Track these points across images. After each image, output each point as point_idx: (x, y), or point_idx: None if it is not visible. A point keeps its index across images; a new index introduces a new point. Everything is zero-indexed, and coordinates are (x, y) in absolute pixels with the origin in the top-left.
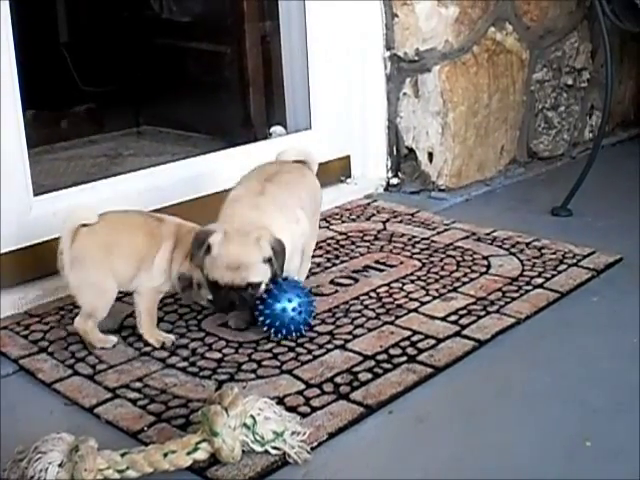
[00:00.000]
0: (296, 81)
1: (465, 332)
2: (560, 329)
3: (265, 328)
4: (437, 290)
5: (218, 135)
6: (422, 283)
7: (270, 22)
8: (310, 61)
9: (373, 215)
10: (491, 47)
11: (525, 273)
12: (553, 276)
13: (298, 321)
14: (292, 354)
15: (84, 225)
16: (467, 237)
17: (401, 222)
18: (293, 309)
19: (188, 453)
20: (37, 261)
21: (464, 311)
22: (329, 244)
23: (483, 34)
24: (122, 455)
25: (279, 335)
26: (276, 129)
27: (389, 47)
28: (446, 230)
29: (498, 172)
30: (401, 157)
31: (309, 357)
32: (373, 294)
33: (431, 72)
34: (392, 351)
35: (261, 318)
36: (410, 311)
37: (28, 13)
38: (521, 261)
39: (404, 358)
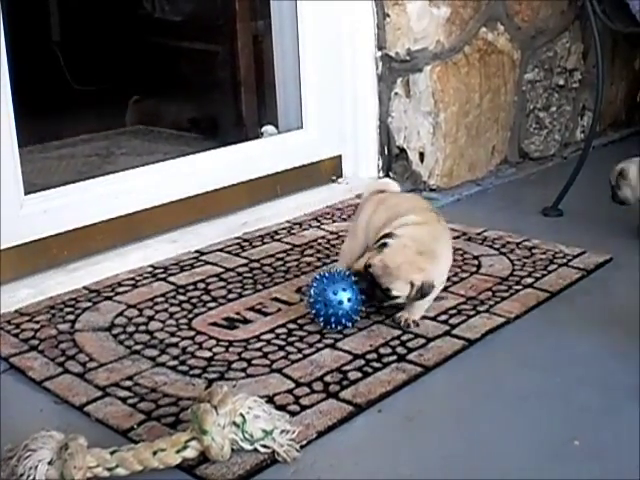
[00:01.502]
0: (288, 80)
1: (455, 331)
2: (549, 329)
3: (319, 319)
4: None
5: (210, 134)
6: None
7: (262, 22)
8: (301, 61)
9: None
10: (482, 47)
11: (515, 273)
12: (543, 276)
13: (349, 312)
14: (282, 353)
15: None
16: (458, 237)
17: None
18: (348, 300)
19: (177, 451)
20: (28, 259)
21: (454, 310)
22: (320, 244)
23: (474, 34)
24: (112, 453)
25: (329, 327)
26: (267, 128)
27: (381, 47)
28: None
29: (489, 172)
30: (392, 157)
31: (299, 356)
32: None
33: (422, 72)
34: (382, 350)
35: (313, 310)
36: (400, 310)
37: (20, 12)
38: (511, 261)
39: (394, 357)
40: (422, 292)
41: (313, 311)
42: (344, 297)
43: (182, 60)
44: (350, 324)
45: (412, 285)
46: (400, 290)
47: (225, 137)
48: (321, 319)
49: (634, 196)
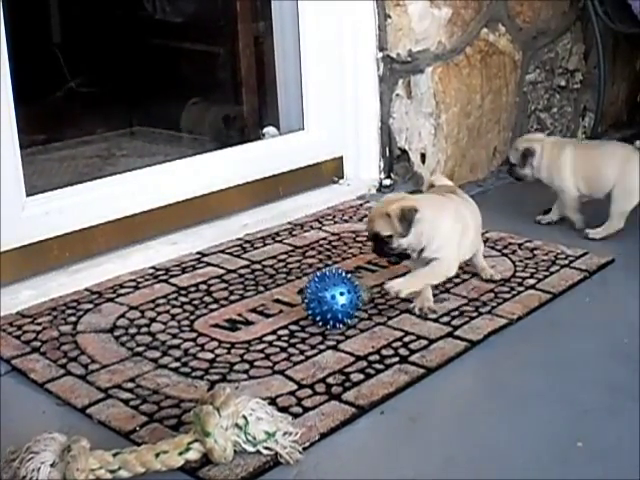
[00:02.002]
0: (289, 82)
1: (457, 333)
2: (552, 330)
3: (317, 319)
4: None
5: (211, 136)
6: None
7: (263, 23)
8: (303, 62)
9: (366, 216)
10: (484, 48)
11: (517, 274)
12: (545, 277)
13: (345, 306)
14: (284, 355)
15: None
16: None
17: None
18: (341, 294)
19: (180, 453)
20: (29, 261)
21: (456, 312)
22: (321, 245)
23: (476, 35)
24: (114, 455)
25: (329, 325)
26: (269, 130)
27: (382, 48)
28: None
29: (490, 173)
30: (394, 158)
31: (301, 357)
32: None
33: (424, 73)
34: (384, 352)
35: (310, 311)
36: (402, 312)
37: (21, 13)
38: (513, 262)
39: (396, 359)
40: (404, 217)
41: (309, 312)
42: (336, 292)
43: (183, 61)
44: (349, 320)
45: (389, 216)
46: (383, 227)
47: (226, 138)
48: (318, 318)
49: (533, 175)
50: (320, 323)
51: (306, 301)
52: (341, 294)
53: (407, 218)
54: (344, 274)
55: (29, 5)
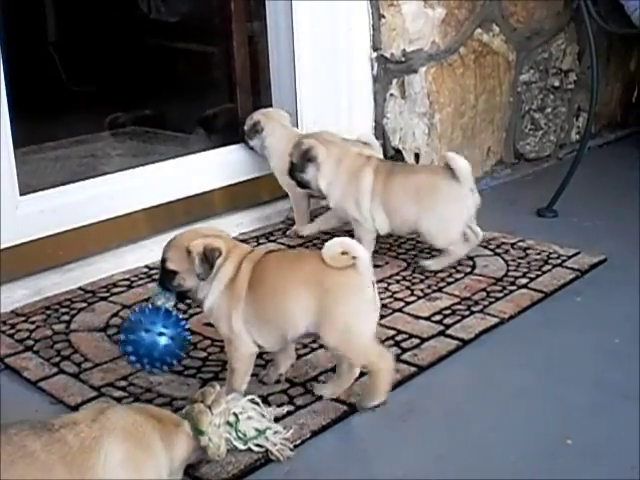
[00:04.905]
0: (283, 81)
1: (449, 332)
2: (543, 329)
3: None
4: (422, 290)
5: (205, 135)
6: (407, 283)
7: (257, 22)
8: (297, 61)
9: None
10: (478, 48)
11: (510, 273)
12: (538, 276)
13: (172, 350)
14: None
15: None
16: None
17: None
18: (161, 334)
19: None
20: (23, 260)
21: (448, 311)
22: (315, 244)
23: (470, 35)
24: None
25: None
26: None
27: (376, 48)
28: None
29: (484, 173)
30: (388, 158)
31: None
32: None
33: (418, 73)
34: None
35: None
36: (395, 311)
37: (16, 12)
38: (506, 261)
39: None
40: (206, 258)
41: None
42: (157, 332)
43: (178, 61)
44: (174, 360)
45: (189, 252)
46: (175, 261)
47: (221, 138)
48: (135, 359)
49: (262, 149)
50: (138, 365)
51: (122, 340)
52: (160, 334)
53: (209, 260)
54: (164, 310)
55: (24, 4)
